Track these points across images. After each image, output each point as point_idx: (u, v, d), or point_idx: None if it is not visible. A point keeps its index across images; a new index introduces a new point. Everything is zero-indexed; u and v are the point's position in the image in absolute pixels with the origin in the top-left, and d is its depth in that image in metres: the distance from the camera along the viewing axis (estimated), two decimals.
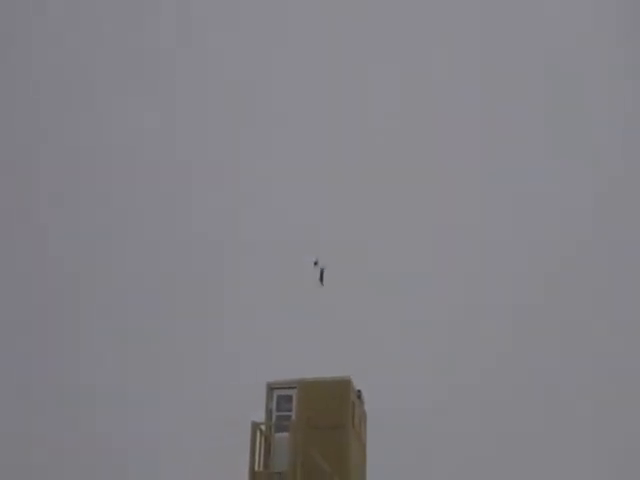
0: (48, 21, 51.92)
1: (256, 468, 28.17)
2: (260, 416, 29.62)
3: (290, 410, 29.76)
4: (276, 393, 30.14)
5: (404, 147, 49.49)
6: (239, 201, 47.05)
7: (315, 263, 30.90)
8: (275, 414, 29.84)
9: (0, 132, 49.09)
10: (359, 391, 31.15)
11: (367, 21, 51.47)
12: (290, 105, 49.77)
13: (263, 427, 29.15)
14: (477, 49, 51.19)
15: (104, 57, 52.00)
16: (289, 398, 30.00)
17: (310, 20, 51.31)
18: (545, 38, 50.96)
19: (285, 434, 28.90)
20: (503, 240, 48.39)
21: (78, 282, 47.26)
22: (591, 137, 50.21)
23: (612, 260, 47.74)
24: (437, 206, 48.80)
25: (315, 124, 48.28)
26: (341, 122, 49.29)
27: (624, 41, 48.83)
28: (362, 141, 49.47)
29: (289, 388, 30.12)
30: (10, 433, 40.78)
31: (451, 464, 41.30)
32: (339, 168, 47.39)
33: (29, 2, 52.06)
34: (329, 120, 48.77)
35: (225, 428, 35.47)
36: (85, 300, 46.53)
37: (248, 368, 39.49)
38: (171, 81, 52.02)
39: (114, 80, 51.71)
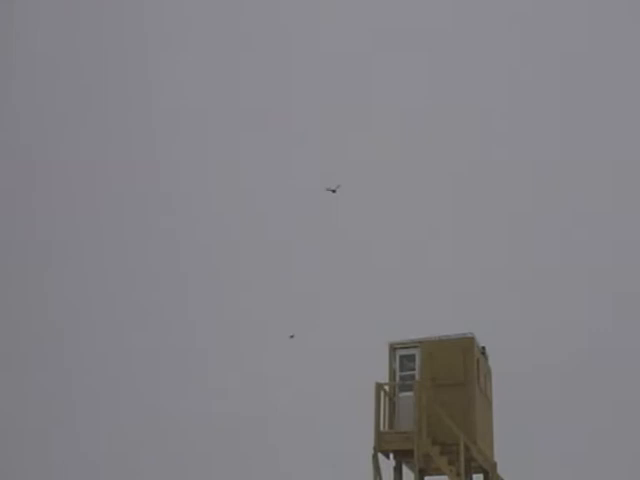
0: None
1: (381, 428, 28.24)
2: (383, 377, 29.53)
3: (413, 369, 29.35)
4: (399, 353, 29.81)
5: None
6: None
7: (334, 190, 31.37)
8: (398, 374, 29.56)
9: None
10: (483, 347, 30.53)
11: None
12: None
13: (387, 387, 29.00)
14: None
15: None
16: (412, 357, 29.61)
17: None
18: None
19: (409, 393, 28.67)
20: None
21: None
22: None
23: None
24: None
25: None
26: None
27: None
28: None
29: (412, 347, 29.70)
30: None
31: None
32: None
33: None
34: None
35: (349, 390, 35.51)
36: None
37: (370, 329, 39.01)
38: None
39: None
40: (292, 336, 34.95)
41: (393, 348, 29.88)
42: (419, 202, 47.34)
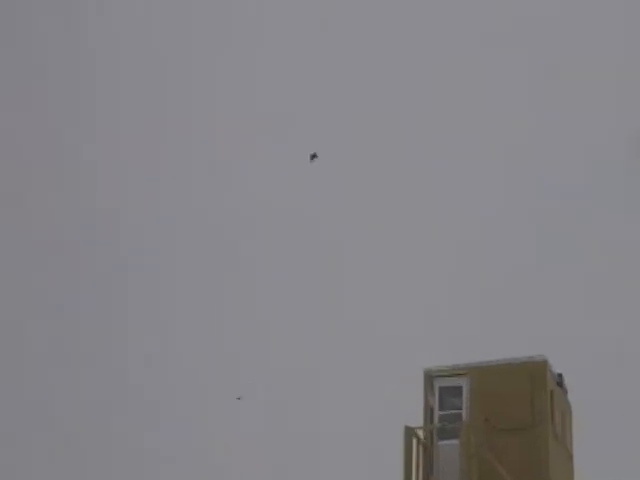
0: None
1: None
2: (416, 417, 24.22)
3: (459, 407, 24.18)
4: (438, 384, 24.57)
5: None
6: None
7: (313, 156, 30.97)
8: (438, 413, 24.38)
9: None
10: (560, 375, 25.12)
11: None
12: None
13: (421, 433, 23.89)
14: None
15: None
16: (457, 390, 24.43)
17: None
18: None
19: (453, 442, 23.45)
20: None
21: None
22: None
23: None
24: None
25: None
26: None
27: None
28: None
29: (457, 376, 24.51)
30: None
31: None
32: None
33: None
34: None
35: (370, 432, 30.39)
36: None
37: (397, 350, 33.80)
38: None
39: None
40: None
41: (430, 377, 24.57)
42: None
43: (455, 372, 24.41)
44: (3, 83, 49.31)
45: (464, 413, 23.89)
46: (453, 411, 24.18)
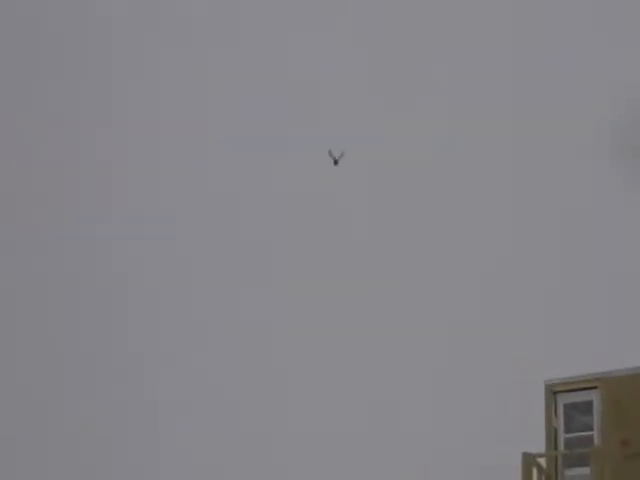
0: None
1: None
2: (536, 442, 21.55)
3: (590, 428, 21.42)
4: (562, 400, 21.92)
5: None
6: None
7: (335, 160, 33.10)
8: (563, 436, 21.64)
9: None
10: None
11: None
12: None
13: (543, 461, 21.08)
14: None
15: None
16: (587, 407, 21.79)
17: None
18: None
19: (583, 471, 20.85)
20: None
21: None
22: None
23: None
24: None
25: None
26: None
27: None
28: None
29: (586, 389, 21.81)
30: None
31: None
32: None
33: None
34: None
35: (481, 458, 27.71)
36: None
37: (511, 360, 30.91)
38: None
39: None
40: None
41: (552, 392, 21.91)
42: None
43: (584, 384, 21.73)
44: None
45: (596, 435, 21.18)
46: (582, 433, 21.52)
